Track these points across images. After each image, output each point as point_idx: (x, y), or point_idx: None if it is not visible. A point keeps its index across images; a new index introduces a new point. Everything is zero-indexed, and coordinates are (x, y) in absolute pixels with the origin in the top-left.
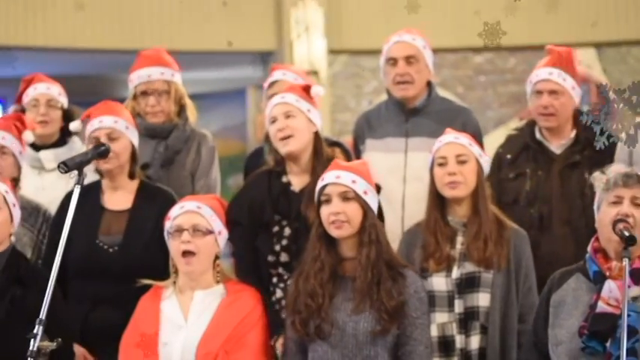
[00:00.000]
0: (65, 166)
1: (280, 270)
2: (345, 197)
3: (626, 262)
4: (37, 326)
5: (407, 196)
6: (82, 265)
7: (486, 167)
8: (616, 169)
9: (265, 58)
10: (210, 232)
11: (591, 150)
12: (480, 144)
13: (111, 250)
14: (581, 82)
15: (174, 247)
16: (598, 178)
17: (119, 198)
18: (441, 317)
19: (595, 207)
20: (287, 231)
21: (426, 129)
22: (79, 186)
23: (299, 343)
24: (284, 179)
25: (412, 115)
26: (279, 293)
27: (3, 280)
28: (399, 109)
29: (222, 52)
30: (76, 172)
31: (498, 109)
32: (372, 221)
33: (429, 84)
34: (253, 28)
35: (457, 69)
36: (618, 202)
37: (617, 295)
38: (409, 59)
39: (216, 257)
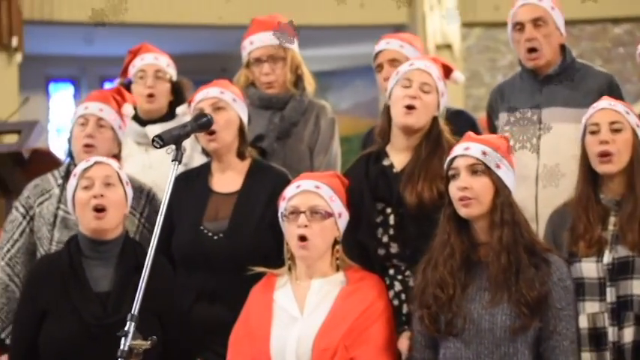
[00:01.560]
0: (160, 140)
1: (395, 261)
2: (473, 171)
3: None
4: (128, 322)
5: (540, 172)
6: (186, 254)
7: None
8: None
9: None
10: (330, 214)
11: None
12: None
13: (215, 237)
14: None
15: (290, 231)
16: None
17: (228, 180)
18: (591, 307)
19: None
20: (392, 219)
21: (560, 98)
22: (177, 163)
23: (429, 338)
24: (385, 162)
25: (546, 83)
26: (397, 286)
27: (122, 270)
28: (533, 78)
29: (354, 27)
30: (173, 147)
31: (638, 83)
32: (505, 199)
33: (563, 48)
34: (386, 1)
35: (595, 41)
36: None
37: None
38: (536, 22)
39: (336, 242)
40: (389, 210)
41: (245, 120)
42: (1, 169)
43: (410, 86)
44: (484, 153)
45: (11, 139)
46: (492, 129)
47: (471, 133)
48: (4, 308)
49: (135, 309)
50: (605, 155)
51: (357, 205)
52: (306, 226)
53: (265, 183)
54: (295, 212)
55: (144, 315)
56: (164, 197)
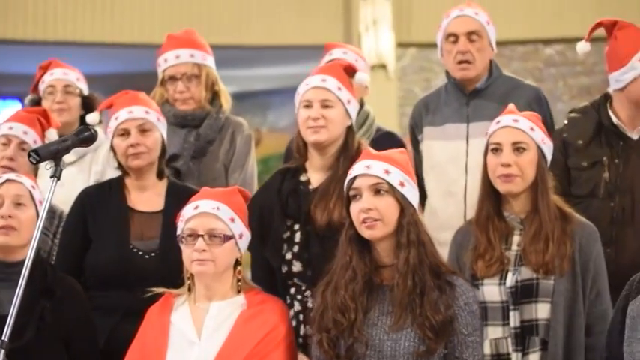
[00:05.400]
0: (37, 156)
1: (296, 280)
2: (376, 191)
3: None
4: None
5: (469, 188)
6: (114, 273)
7: (549, 155)
8: None
9: None
10: (229, 237)
11: None
12: (550, 126)
13: (147, 256)
14: None
15: (187, 254)
16: None
17: (148, 199)
18: (493, 332)
19: None
20: (298, 236)
21: (488, 112)
22: (56, 179)
23: None
24: (302, 178)
25: (473, 97)
26: (297, 306)
27: (29, 291)
28: (459, 92)
29: (291, 47)
30: (52, 163)
31: (569, 102)
32: (411, 218)
33: (490, 63)
34: (322, 21)
35: (527, 61)
36: None
37: None
38: (471, 35)
39: (237, 263)
40: (296, 227)
41: (165, 138)
42: None
43: (311, 106)
44: (387, 171)
45: None
46: (415, 143)
47: (370, 150)
48: None
49: (5, 335)
50: (506, 177)
51: (267, 220)
52: (204, 250)
53: (185, 203)
54: (193, 235)
55: (49, 342)
56: (41, 213)
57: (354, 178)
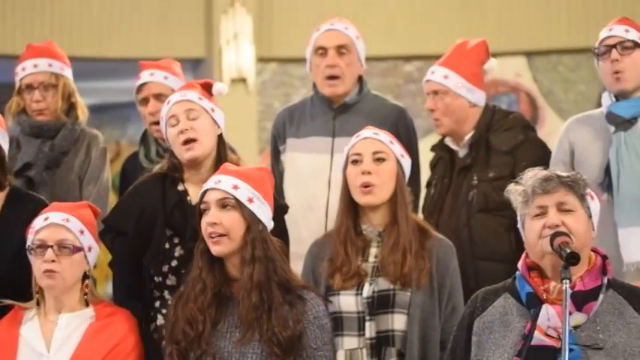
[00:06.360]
0: None
1: (165, 294)
2: (223, 205)
3: (565, 284)
4: None
5: (331, 203)
6: None
7: (407, 170)
8: (530, 175)
9: (195, 66)
10: (79, 249)
11: (486, 151)
12: (415, 145)
13: None
14: (510, 90)
15: (36, 265)
16: (513, 192)
17: None
18: (349, 343)
19: (519, 226)
20: (178, 251)
21: (355, 128)
22: None
23: None
24: (180, 187)
25: (341, 112)
26: (160, 320)
27: None
28: (327, 105)
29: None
30: None
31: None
32: (257, 235)
33: (360, 79)
34: (182, 35)
35: (386, 77)
36: (542, 212)
37: (557, 323)
38: (340, 49)
39: (86, 276)
40: (177, 240)
41: (5, 149)
42: None
43: (177, 121)
44: (235, 186)
45: None
46: (275, 153)
47: (227, 165)
48: None
49: None
50: (366, 186)
51: (148, 226)
52: (53, 261)
53: (23, 212)
54: (43, 246)
55: None
56: None
57: (205, 191)
